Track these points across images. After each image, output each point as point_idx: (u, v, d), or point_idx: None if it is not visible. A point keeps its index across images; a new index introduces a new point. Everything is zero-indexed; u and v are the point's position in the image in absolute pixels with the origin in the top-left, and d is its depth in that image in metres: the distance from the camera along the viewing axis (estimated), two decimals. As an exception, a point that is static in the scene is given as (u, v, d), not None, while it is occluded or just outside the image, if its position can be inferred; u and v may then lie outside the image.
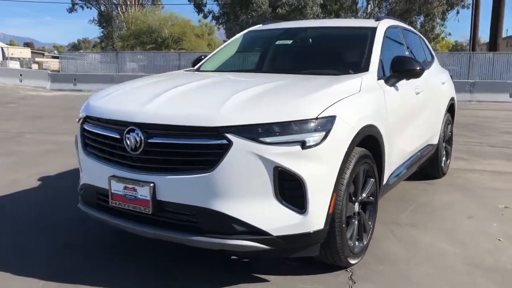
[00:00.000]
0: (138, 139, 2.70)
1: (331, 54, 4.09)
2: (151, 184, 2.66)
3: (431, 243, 3.54)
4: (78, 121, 3.24)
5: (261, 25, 4.92)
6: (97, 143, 2.98)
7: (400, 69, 3.63)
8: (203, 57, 4.66)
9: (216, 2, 33.41)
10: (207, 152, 2.58)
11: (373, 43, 3.81)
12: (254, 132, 2.55)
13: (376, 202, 3.38)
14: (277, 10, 29.36)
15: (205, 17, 33.96)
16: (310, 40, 4.40)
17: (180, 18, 36.49)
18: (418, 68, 3.62)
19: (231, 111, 2.62)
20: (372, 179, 3.24)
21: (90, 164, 3.02)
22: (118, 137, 2.80)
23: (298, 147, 2.57)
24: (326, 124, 2.68)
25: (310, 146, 2.59)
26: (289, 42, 4.40)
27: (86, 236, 3.65)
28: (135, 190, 2.72)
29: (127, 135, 2.74)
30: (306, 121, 2.62)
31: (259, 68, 4.37)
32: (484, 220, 4.09)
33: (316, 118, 2.65)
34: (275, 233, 2.59)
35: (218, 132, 2.55)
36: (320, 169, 2.63)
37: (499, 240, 3.63)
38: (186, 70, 4.54)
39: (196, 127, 2.59)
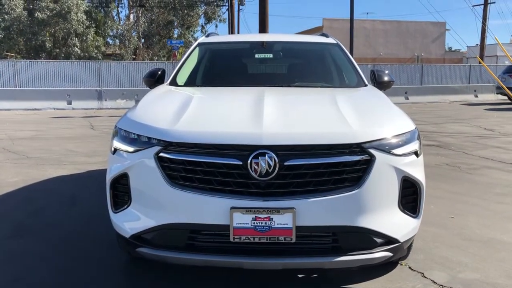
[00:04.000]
0: (271, 163, 2.46)
1: (318, 68, 4.30)
2: (293, 210, 2.46)
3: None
4: (136, 152, 2.67)
5: (206, 37, 4.73)
6: (200, 174, 2.54)
7: (382, 81, 4.12)
8: (159, 72, 4.22)
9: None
10: (351, 169, 2.55)
11: (350, 57, 4.20)
12: (388, 146, 2.65)
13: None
14: (36, 15, 26.59)
15: None
16: (281, 53, 4.50)
17: None
18: (393, 80, 4.18)
19: (365, 126, 2.66)
20: None
21: (184, 199, 2.53)
22: (240, 163, 2.47)
23: (414, 156, 2.79)
24: (416, 133, 2.96)
25: (419, 154, 2.84)
26: (270, 55, 4.41)
27: None
28: (270, 219, 2.47)
29: (254, 160, 2.46)
30: (412, 132, 2.86)
31: (256, 81, 4.18)
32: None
33: (415, 128, 2.91)
34: (402, 239, 2.74)
35: (362, 148, 2.56)
36: (423, 173, 2.90)
37: (452, 217, 4.49)
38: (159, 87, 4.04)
39: (339, 145, 2.53)
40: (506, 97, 17.88)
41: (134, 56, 32.01)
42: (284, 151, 2.50)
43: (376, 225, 2.60)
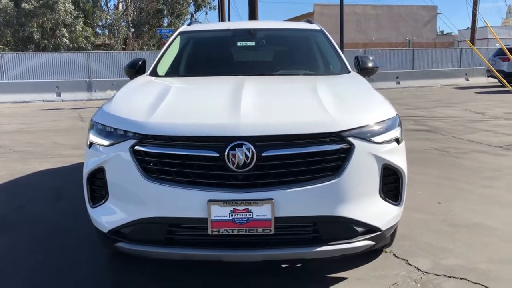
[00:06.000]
0: (249, 154, 2.41)
1: (302, 55, 4.24)
2: (272, 201, 2.43)
3: (404, 216, 4.12)
4: (111, 145, 2.62)
5: (188, 25, 4.65)
6: (176, 166, 2.49)
7: (366, 67, 4.07)
8: (140, 63, 4.14)
9: None
10: (331, 158, 2.52)
11: (333, 44, 4.15)
12: (368, 134, 2.62)
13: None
14: (23, 5, 26.19)
15: None
16: (264, 41, 4.43)
17: None
18: (377, 66, 4.13)
19: (344, 114, 2.62)
20: None
21: (160, 192, 2.49)
22: (217, 155, 2.43)
23: (395, 144, 2.76)
24: (398, 120, 2.92)
25: (400, 141, 2.80)
26: (252, 43, 4.34)
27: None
28: (248, 211, 2.43)
29: (231, 152, 2.41)
30: (393, 119, 2.82)
31: (238, 70, 4.04)
32: (407, 191, 4.92)
33: (396, 115, 2.87)
34: (384, 227, 2.72)
35: (341, 136, 2.52)
36: (405, 161, 2.87)
37: (439, 203, 4.48)
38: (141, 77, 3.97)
39: (318, 134, 2.49)
40: (496, 80, 17.89)
41: (124, 46, 31.69)
42: (261, 141, 2.45)
43: (356, 214, 2.57)
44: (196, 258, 2.57)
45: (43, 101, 16.97)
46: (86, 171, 2.75)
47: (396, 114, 2.89)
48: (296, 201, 2.47)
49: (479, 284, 2.89)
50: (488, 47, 29.82)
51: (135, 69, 4.10)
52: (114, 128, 2.66)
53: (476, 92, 17.33)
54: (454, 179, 5.33)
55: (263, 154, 2.44)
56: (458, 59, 24.55)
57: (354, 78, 3.67)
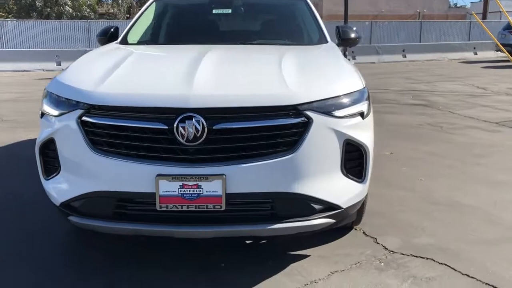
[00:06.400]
0: (199, 127, 2.29)
1: (279, 25, 4.07)
2: (223, 176, 2.32)
3: (385, 192, 4.02)
4: (60, 115, 2.51)
5: None
6: (123, 139, 2.38)
7: (348, 38, 3.89)
8: (112, 30, 3.99)
9: None
10: (286, 133, 2.39)
11: (315, 14, 3.96)
12: (328, 107, 2.48)
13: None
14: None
15: None
16: (242, 9, 4.25)
17: None
18: (359, 37, 3.95)
19: (302, 87, 2.48)
20: None
21: (108, 165, 2.39)
22: (166, 128, 2.31)
23: (360, 118, 2.62)
24: (366, 93, 2.77)
25: (365, 115, 2.66)
26: (229, 11, 4.16)
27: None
28: (198, 186, 2.33)
29: (181, 124, 2.29)
30: (359, 92, 2.67)
31: (210, 39, 3.85)
32: (392, 166, 4.80)
33: (363, 88, 2.73)
34: (345, 205, 2.61)
35: (297, 110, 2.38)
36: (371, 135, 2.74)
37: (421, 180, 4.36)
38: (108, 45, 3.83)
39: (273, 107, 2.36)
40: (505, 55, 17.42)
41: (128, 15, 31.30)
42: (213, 114, 2.33)
43: (314, 191, 2.46)
44: (147, 233, 2.48)
45: (43, 70, 16.83)
46: (38, 141, 2.65)
47: (364, 87, 2.74)
48: (249, 177, 2.36)
49: (445, 264, 2.79)
50: (501, 20, 29.01)
51: (107, 37, 3.96)
52: (64, 98, 2.55)
53: (483, 67, 16.91)
54: (443, 156, 5.19)
55: (214, 128, 2.32)
56: (467, 32, 23.95)
57: (328, 48, 3.50)
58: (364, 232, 3.23)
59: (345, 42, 3.92)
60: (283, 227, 2.45)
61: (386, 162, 4.93)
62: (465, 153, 5.29)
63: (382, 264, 2.81)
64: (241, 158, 2.36)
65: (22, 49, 18.26)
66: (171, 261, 2.85)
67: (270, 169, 2.37)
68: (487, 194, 3.97)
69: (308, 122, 2.40)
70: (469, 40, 23.48)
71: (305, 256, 2.91)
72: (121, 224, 2.46)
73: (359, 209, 2.99)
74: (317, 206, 2.51)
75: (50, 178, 2.64)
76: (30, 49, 18.39)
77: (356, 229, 3.27)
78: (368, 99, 2.76)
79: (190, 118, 2.30)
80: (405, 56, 21.13)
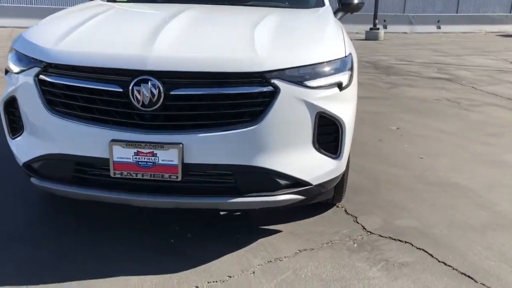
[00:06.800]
0: (155, 91, 2.16)
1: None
2: (180, 145, 2.19)
3: (376, 168, 3.83)
4: (20, 73, 2.42)
5: None
6: (79, 101, 2.28)
7: (348, 3, 3.64)
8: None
9: None
10: (250, 102, 2.23)
11: None
12: (299, 76, 2.30)
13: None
14: None
15: None
16: None
17: None
18: (362, 2, 3.68)
19: (272, 52, 2.29)
20: None
21: (63, 127, 2.29)
22: (121, 90, 2.19)
23: (337, 90, 2.42)
24: (349, 62, 2.56)
25: (344, 87, 2.47)
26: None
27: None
28: (153, 155, 2.21)
29: (136, 88, 2.16)
30: (339, 61, 2.47)
31: None
32: (394, 142, 4.58)
33: (345, 56, 2.52)
34: (315, 182, 2.46)
35: (264, 78, 2.21)
36: (350, 110, 2.55)
37: (421, 158, 4.13)
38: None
39: (236, 74, 2.20)
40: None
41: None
42: (170, 78, 2.19)
43: (279, 166, 2.31)
44: (103, 200, 2.40)
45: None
46: (1, 99, 2.58)
47: (346, 56, 2.52)
48: (209, 147, 2.23)
49: (422, 250, 2.63)
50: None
51: None
52: (24, 55, 2.45)
53: (521, 41, 16.05)
54: (451, 133, 4.92)
55: (171, 93, 2.18)
56: (509, 3, 22.66)
57: (320, 12, 3.26)
58: (345, 210, 3.08)
59: (345, 7, 3.67)
60: (245, 201, 2.33)
61: (389, 137, 4.71)
62: (477, 132, 5.00)
63: (355, 245, 2.67)
64: (200, 127, 2.22)
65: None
66: (138, 227, 2.78)
67: (231, 140, 2.23)
68: (486, 176, 3.73)
69: (275, 92, 2.23)
70: (510, 12, 22.26)
71: (277, 232, 2.79)
72: (78, 189, 2.38)
73: (338, 186, 2.84)
74: (282, 182, 2.37)
75: (15, 137, 2.58)
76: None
77: (338, 206, 3.12)
78: (351, 69, 2.55)
79: (146, 81, 2.16)
80: (439, 28, 20.27)
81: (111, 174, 2.26)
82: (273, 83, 2.22)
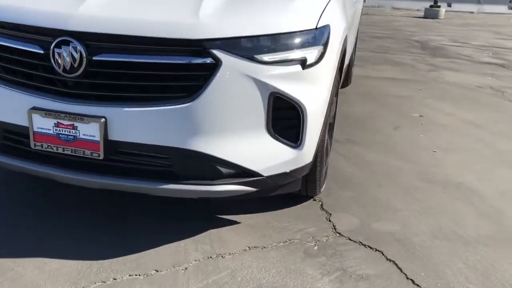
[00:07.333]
0: (76, 55, 1.89)
1: None
2: (102, 120, 1.92)
3: (379, 160, 3.42)
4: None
5: None
6: (1, 61, 2.05)
7: None
8: None
9: None
10: (186, 75, 1.92)
11: None
12: (248, 48, 1.94)
13: (334, 121, 3.09)
14: None
15: None
16: None
17: None
18: None
19: (217, 18, 1.95)
20: (336, 98, 2.91)
21: None
22: (41, 52, 1.94)
23: (299, 67, 2.05)
24: (323, 35, 2.17)
25: (310, 65, 2.09)
26: None
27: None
28: (74, 128, 1.96)
29: (57, 50, 1.90)
30: (306, 33, 2.09)
31: None
32: (410, 131, 4.11)
33: (316, 28, 2.13)
34: (266, 173, 2.13)
35: (203, 47, 1.88)
36: (319, 92, 2.18)
37: (434, 151, 3.66)
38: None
39: (169, 40, 1.88)
40: None
41: None
42: (94, 41, 1.90)
43: (219, 151, 2.00)
44: (27, 172, 2.19)
45: None
46: None
47: (317, 28, 2.13)
48: (136, 124, 1.95)
49: (392, 261, 2.24)
50: None
51: None
52: None
53: None
54: (479, 126, 4.36)
55: (94, 58, 1.90)
56: None
57: None
58: (321, 205, 2.73)
59: None
60: (180, 189, 2.04)
61: (406, 125, 4.24)
62: (509, 127, 4.41)
63: (315, 247, 2.33)
64: (127, 100, 1.94)
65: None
66: (87, 206, 2.57)
67: (162, 117, 1.93)
68: (501, 180, 3.22)
69: (216, 65, 1.90)
70: None
71: (234, 223, 2.49)
72: (4, 158, 2.18)
73: (309, 179, 2.49)
74: (225, 170, 2.05)
75: None
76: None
77: (315, 200, 2.77)
78: (324, 44, 2.16)
79: (68, 43, 1.89)
80: (511, 8, 18.75)
81: (32, 146, 2.03)
82: (214, 54, 1.89)
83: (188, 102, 1.91)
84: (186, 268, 2.11)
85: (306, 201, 2.75)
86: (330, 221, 2.57)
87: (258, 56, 1.95)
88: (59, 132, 1.98)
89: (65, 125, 1.96)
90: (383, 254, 2.30)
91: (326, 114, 2.35)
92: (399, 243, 2.39)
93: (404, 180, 3.11)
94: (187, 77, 1.91)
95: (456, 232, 2.52)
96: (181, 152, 1.97)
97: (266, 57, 1.97)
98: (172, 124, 1.94)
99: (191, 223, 2.45)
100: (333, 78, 2.41)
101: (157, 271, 2.08)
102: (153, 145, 1.97)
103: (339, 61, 2.49)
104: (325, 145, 2.50)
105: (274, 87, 1.99)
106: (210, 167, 2.03)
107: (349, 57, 4.32)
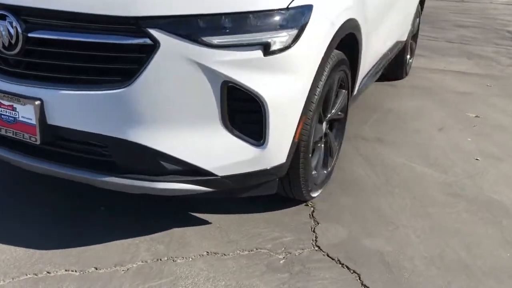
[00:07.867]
0: (12, 31, 1.76)
1: None
2: (37, 102, 1.78)
3: (403, 164, 2.99)
4: None
5: None
6: None
7: None
8: None
9: None
10: (121, 56, 1.72)
11: None
12: (193, 29, 1.69)
13: (345, 118, 2.72)
14: None
15: None
16: None
17: None
18: None
19: None
20: (344, 91, 2.55)
21: None
22: None
23: (259, 53, 1.76)
24: (299, 17, 1.85)
25: (275, 51, 1.78)
26: None
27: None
28: (13, 109, 1.84)
29: None
30: (271, 13, 1.78)
31: None
32: (456, 133, 3.58)
33: (287, 9, 1.81)
34: (221, 172, 1.87)
35: (138, 26, 1.66)
36: (288, 84, 1.87)
37: (477, 159, 3.13)
38: None
39: (104, 17, 1.68)
40: None
41: None
42: (31, 17, 1.76)
43: (160, 145, 1.77)
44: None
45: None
46: None
47: (288, 8, 1.80)
48: (73, 108, 1.78)
49: (366, 289, 1.89)
50: None
51: None
52: None
53: None
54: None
55: (30, 35, 1.76)
56: None
57: None
58: (312, 212, 2.41)
59: None
60: (120, 183, 1.86)
61: (455, 126, 3.70)
62: None
63: (281, 262, 2.03)
64: (63, 81, 1.78)
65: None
66: (59, 190, 2.48)
67: (98, 103, 1.75)
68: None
69: (154, 46, 1.67)
70: None
71: (204, 223, 2.27)
72: None
73: (291, 182, 2.20)
74: (169, 166, 1.83)
75: None
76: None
77: (307, 205, 2.46)
78: (301, 28, 1.84)
79: (4, 17, 1.77)
80: None
81: (-23, 126, 1.95)
82: (151, 35, 1.66)
83: (123, 88, 1.70)
84: (127, 269, 1.93)
85: (297, 205, 2.45)
86: (314, 231, 2.26)
87: (205, 39, 1.69)
88: (1, 112, 1.87)
89: (5, 105, 1.85)
90: (359, 278, 1.95)
91: (310, 109, 2.03)
92: (384, 267, 2.02)
93: (422, 191, 2.67)
94: (122, 59, 1.71)
95: (463, 260, 2.09)
96: (118, 142, 1.78)
97: (216, 40, 1.70)
98: (108, 111, 1.75)
99: (158, 220, 2.26)
100: (324, 67, 2.08)
101: (96, 269, 1.93)
102: (90, 133, 1.80)
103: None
104: (310, 144, 2.17)
105: (226, 76, 1.72)
106: (151, 162, 1.81)
107: (391, 47, 3.85)
